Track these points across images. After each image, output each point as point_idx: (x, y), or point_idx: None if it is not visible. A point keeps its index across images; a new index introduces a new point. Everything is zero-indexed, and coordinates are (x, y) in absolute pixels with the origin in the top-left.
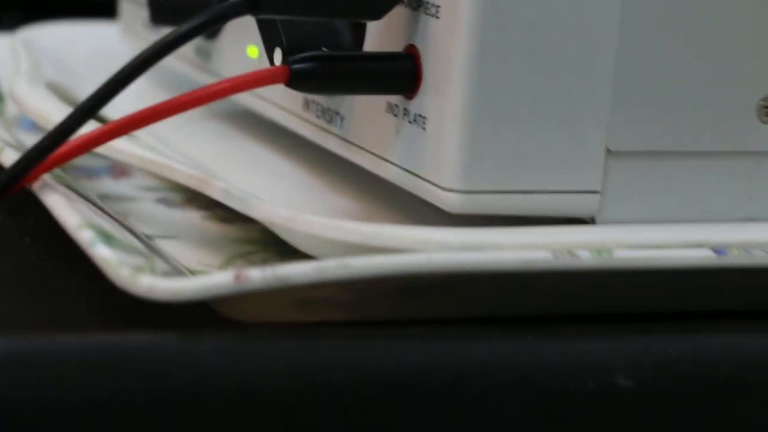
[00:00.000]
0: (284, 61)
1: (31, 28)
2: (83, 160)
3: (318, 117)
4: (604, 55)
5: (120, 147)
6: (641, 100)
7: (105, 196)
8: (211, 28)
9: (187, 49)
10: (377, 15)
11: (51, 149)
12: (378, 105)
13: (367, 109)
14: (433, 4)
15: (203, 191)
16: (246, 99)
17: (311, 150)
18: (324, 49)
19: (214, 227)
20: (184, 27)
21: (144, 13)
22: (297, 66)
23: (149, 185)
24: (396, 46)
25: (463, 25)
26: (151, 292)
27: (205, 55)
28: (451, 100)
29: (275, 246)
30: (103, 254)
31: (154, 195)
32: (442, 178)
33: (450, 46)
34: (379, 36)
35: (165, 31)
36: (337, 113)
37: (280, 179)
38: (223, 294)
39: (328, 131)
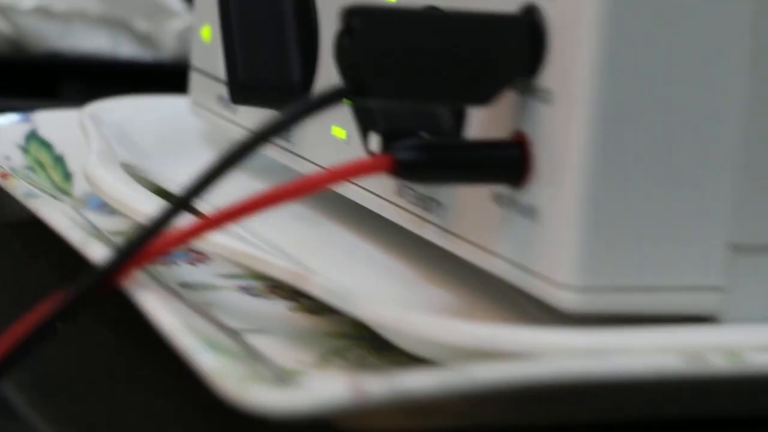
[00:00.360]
0: (384, 147)
1: (99, 103)
2: None
3: (413, 204)
4: (729, 143)
5: (211, 239)
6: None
7: (185, 285)
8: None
9: None
10: (486, 101)
11: (144, 243)
12: (481, 194)
13: (468, 198)
14: (545, 90)
15: (301, 287)
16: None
17: (404, 237)
18: (422, 133)
19: (302, 319)
20: (285, 115)
21: (216, 86)
22: (402, 155)
23: (230, 272)
24: (499, 132)
25: (581, 114)
26: (264, 405)
27: (284, 133)
28: (568, 191)
29: (369, 341)
30: (209, 363)
31: (236, 283)
32: (557, 273)
33: (565, 135)
34: (481, 121)
35: (242, 108)
36: (435, 200)
37: (372, 269)
38: (341, 409)
39: (424, 219)
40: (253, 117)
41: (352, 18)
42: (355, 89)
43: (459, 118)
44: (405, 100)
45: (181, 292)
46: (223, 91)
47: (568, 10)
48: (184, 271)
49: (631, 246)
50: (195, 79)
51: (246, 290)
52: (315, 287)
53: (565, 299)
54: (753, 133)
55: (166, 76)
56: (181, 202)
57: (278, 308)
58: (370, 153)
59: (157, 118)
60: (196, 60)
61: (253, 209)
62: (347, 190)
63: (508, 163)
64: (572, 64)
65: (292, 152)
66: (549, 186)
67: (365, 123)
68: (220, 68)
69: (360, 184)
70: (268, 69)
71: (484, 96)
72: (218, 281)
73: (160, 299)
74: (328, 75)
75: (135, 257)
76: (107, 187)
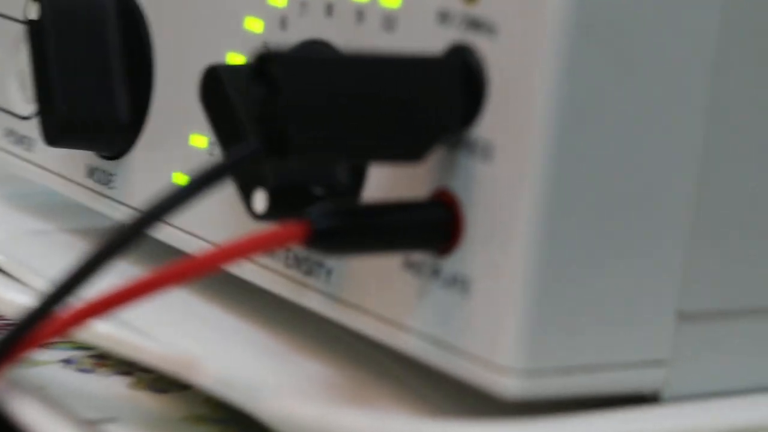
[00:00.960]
0: (272, 207)
1: None
2: None
3: (290, 267)
4: (681, 204)
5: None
6: (720, 252)
7: None
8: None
9: (76, 168)
10: (419, 155)
11: (18, 339)
12: (385, 260)
13: (366, 264)
14: (480, 143)
15: (187, 379)
16: (173, 236)
17: (268, 303)
18: (316, 190)
19: (148, 399)
20: (187, 185)
21: (3, 118)
22: (320, 223)
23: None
24: (412, 189)
25: (527, 171)
26: None
27: (101, 176)
28: (508, 260)
29: (235, 424)
30: None
31: (57, 355)
32: (494, 355)
33: (507, 195)
34: (388, 176)
35: (40, 146)
36: (320, 265)
37: (232, 340)
38: None
39: (305, 285)
40: (54, 156)
41: (267, 64)
42: (273, 147)
43: (359, 172)
44: (328, 156)
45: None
46: (13, 123)
47: (513, 50)
48: None
49: (577, 321)
50: None
51: (70, 364)
52: (208, 379)
53: (505, 384)
54: (705, 192)
55: None
56: (55, 297)
57: (116, 387)
58: (257, 215)
59: None
60: None
61: (138, 295)
62: (195, 245)
63: (432, 227)
64: (517, 114)
65: (111, 197)
66: (483, 253)
67: (248, 176)
68: (8, 97)
69: (212, 240)
70: (90, 104)
71: (416, 150)
72: (38, 354)
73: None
74: (163, 112)
75: (9, 353)
76: None
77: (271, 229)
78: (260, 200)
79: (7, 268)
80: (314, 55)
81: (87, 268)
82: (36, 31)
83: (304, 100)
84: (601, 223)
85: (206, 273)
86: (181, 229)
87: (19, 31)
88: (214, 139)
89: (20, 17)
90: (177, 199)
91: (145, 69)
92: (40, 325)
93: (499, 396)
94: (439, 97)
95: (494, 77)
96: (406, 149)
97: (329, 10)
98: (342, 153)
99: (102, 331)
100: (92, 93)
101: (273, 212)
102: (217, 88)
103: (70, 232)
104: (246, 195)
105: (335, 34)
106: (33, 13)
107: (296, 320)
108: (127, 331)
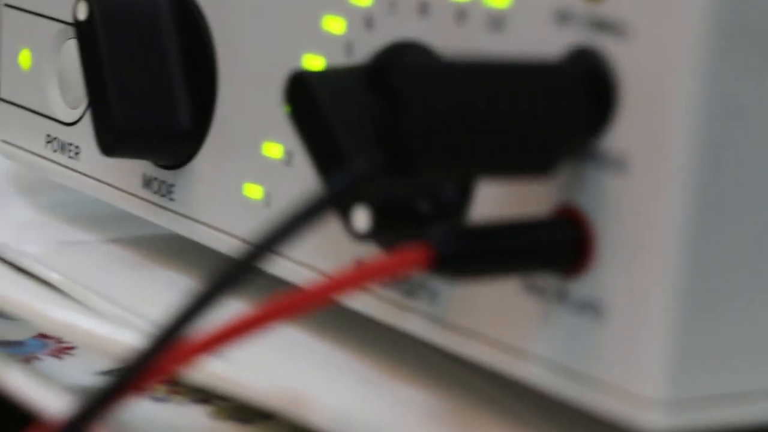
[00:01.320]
0: (377, 226)
1: None
2: None
3: (388, 288)
4: None
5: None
6: None
7: (72, 388)
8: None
9: (132, 180)
10: (546, 169)
11: (129, 378)
12: (500, 281)
13: (479, 285)
14: (612, 156)
15: (299, 417)
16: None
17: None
18: (422, 207)
19: (230, 429)
20: (300, 210)
21: (45, 123)
22: (443, 247)
23: (104, 366)
24: (525, 205)
25: (668, 185)
26: None
27: (160, 187)
28: (654, 281)
29: None
30: None
31: None
32: (635, 385)
33: (646, 212)
34: (497, 192)
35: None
36: (423, 286)
37: (332, 369)
38: None
39: (407, 308)
40: (104, 164)
41: (390, 76)
42: (397, 165)
43: (467, 187)
44: (454, 172)
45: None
46: (55, 130)
47: (647, 53)
48: (53, 368)
49: (724, 345)
50: (5, 113)
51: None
52: (322, 417)
53: (648, 417)
54: None
55: None
56: (169, 333)
57: (196, 416)
58: (358, 235)
59: None
60: (8, 91)
61: (246, 331)
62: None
63: (560, 247)
64: (653, 123)
65: (173, 212)
66: (618, 275)
67: (347, 195)
68: (48, 102)
69: (307, 263)
70: (148, 110)
71: (543, 164)
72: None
73: None
74: (228, 117)
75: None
76: None
77: (389, 256)
78: (362, 218)
79: (63, 287)
80: (433, 64)
81: (194, 307)
82: (85, 32)
83: (428, 114)
84: (751, 238)
85: (319, 306)
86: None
87: (59, 30)
88: (289, 147)
89: (60, 16)
90: (296, 222)
91: (206, 70)
92: (147, 366)
93: (643, 429)
94: (564, 105)
95: (625, 83)
96: (532, 163)
97: (423, 8)
98: (468, 169)
99: (205, 368)
100: (149, 98)
101: (376, 232)
102: (306, 96)
103: (119, 243)
104: (344, 212)
105: (431, 36)
106: (81, 12)
107: (391, 344)
108: (229, 366)
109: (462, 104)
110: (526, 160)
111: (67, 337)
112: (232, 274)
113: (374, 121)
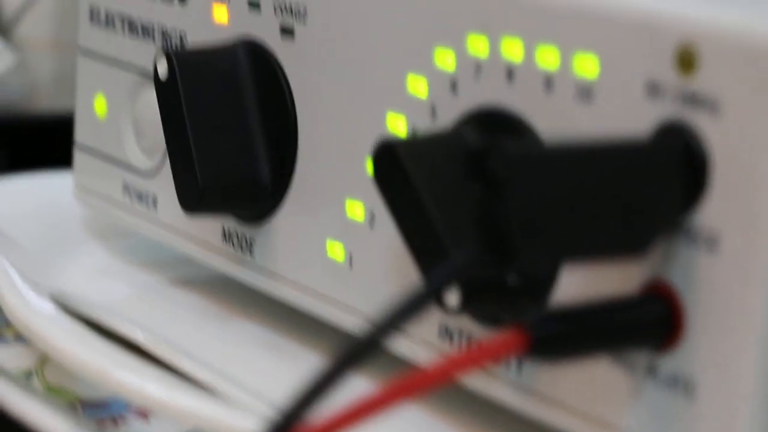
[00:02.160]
0: (464, 302)
1: None
2: None
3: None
4: None
5: None
6: None
7: None
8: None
9: (211, 233)
10: (640, 249)
11: None
12: None
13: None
14: (706, 236)
15: None
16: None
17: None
18: (510, 282)
19: None
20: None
21: (122, 172)
22: (539, 330)
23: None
24: (611, 280)
25: (765, 266)
26: None
27: (240, 241)
28: (745, 359)
29: None
30: None
31: None
32: None
33: (740, 288)
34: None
35: (163, 202)
36: None
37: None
38: None
39: (492, 375)
40: (183, 216)
41: (489, 163)
42: (498, 251)
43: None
44: (552, 258)
45: None
46: (131, 178)
47: (741, 130)
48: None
49: None
50: (81, 160)
51: None
52: None
53: None
54: None
55: None
56: (290, 417)
57: None
58: (449, 309)
59: (24, 203)
60: (83, 136)
61: (369, 413)
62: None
63: (650, 324)
64: (746, 202)
65: (252, 267)
66: (708, 352)
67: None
68: (124, 150)
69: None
70: (229, 168)
71: (639, 243)
72: None
73: None
74: (310, 174)
75: None
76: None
77: (486, 342)
78: (454, 297)
79: (149, 347)
80: (530, 149)
81: (316, 389)
82: (166, 88)
83: (528, 201)
84: None
85: (440, 386)
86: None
87: (135, 78)
88: (371, 208)
89: (136, 63)
90: (398, 317)
91: (286, 126)
92: None
93: None
94: (657, 183)
95: (718, 160)
96: (628, 243)
97: (510, 75)
98: (565, 254)
99: None
100: (231, 155)
101: (467, 306)
102: (394, 165)
103: (198, 288)
104: (437, 292)
105: (517, 102)
106: (162, 68)
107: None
108: None
109: (560, 189)
110: (622, 241)
111: (167, 416)
112: (354, 354)
113: (473, 207)
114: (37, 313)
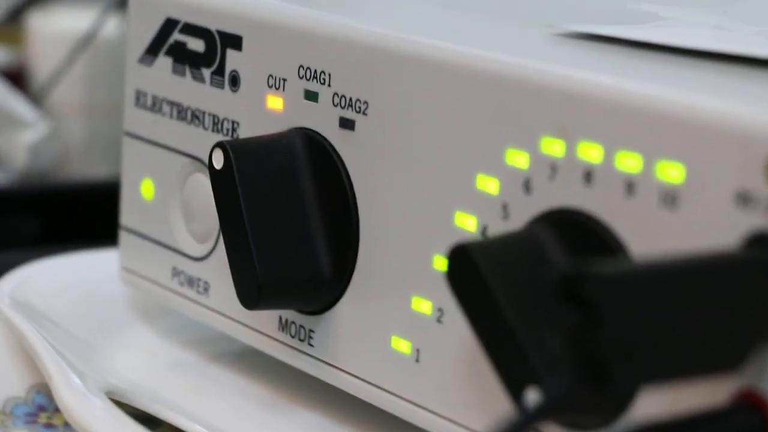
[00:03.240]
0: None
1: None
2: None
3: None
4: None
5: None
6: None
7: None
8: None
9: (267, 321)
10: (735, 366)
11: None
12: None
13: None
14: None
15: None
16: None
17: None
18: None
19: None
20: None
21: (169, 256)
22: None
23: None
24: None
25: None
26: None
27: (298, 331)
28: None
29: None
30: None
31: None
32: None
33: None
34: None
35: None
36: None
37: None
38: None
39: None
40: (232, 301)
41: (583, 287)
42: (593, 378)
43: None
44: (647, 382)
45: None
46: (181, 263)
47: None
48: None
49: None
50: (127, 242)
51: None
52: None
53: None
54: None
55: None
56: None
57: None
58: (524, 411)
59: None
60: (129, 219)
61: None
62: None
63: None
64: None
65: (312, 356)
66: None
67: (516, 372)
68: (173, 234)
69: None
70: (289, 262)
71: (733, 360)
72: None
73: None
74: (372, 268)
75: None
76: None
77: None
78: (532, 397)
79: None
80: (624, 272)
81: None
82: (222, 180)
83: (624, 327)
84: None
85: None
86: None
87: (183, 163)
88: (439, 304)
89: (184, 149)
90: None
91: (347, 218)
92: None
93: None
94: (750, 295)
95: None
96: (723, 361)
97: (588, 177)
98: (662, 378)
99: None
100: (290, 248)
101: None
102: (470, 268)
103: (248, 372)
104: (515, 391)
105: (595, 205)
106: (217, 160)
107: None
108: None
109: (654, 311)
110: (717, 360)
111: None
112: None
113: (567, 334)
114: (96, 417)
